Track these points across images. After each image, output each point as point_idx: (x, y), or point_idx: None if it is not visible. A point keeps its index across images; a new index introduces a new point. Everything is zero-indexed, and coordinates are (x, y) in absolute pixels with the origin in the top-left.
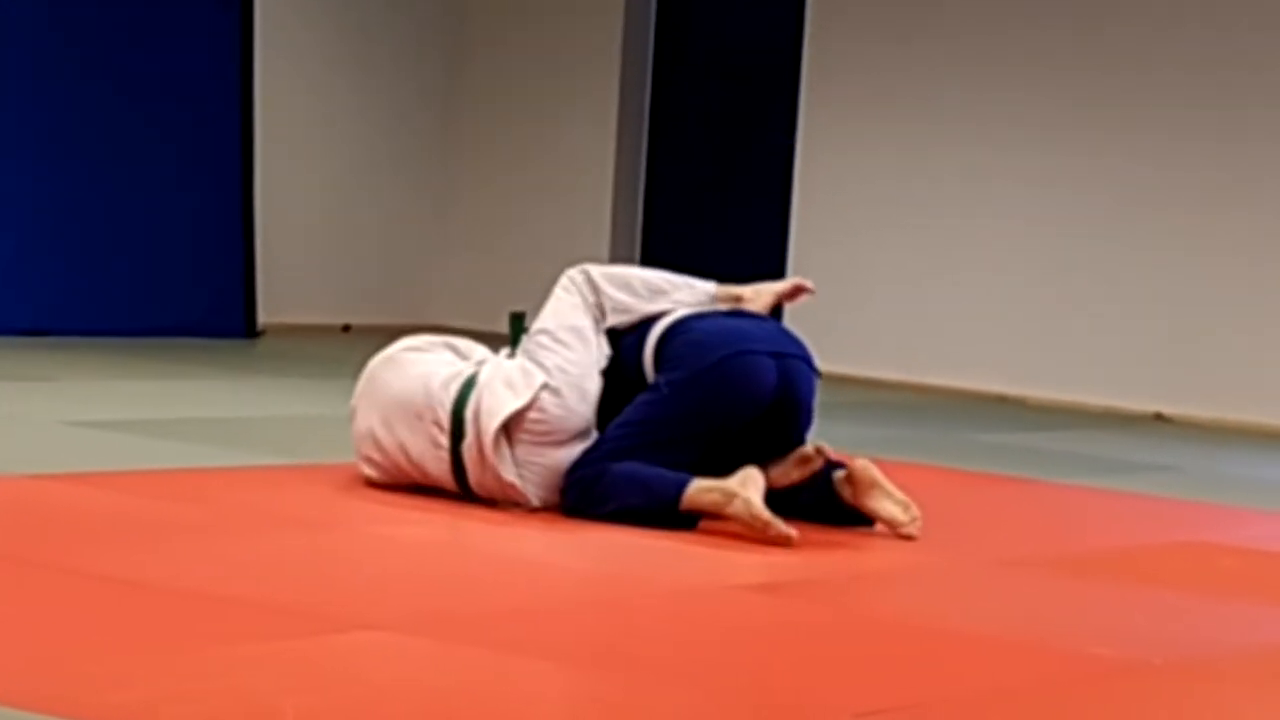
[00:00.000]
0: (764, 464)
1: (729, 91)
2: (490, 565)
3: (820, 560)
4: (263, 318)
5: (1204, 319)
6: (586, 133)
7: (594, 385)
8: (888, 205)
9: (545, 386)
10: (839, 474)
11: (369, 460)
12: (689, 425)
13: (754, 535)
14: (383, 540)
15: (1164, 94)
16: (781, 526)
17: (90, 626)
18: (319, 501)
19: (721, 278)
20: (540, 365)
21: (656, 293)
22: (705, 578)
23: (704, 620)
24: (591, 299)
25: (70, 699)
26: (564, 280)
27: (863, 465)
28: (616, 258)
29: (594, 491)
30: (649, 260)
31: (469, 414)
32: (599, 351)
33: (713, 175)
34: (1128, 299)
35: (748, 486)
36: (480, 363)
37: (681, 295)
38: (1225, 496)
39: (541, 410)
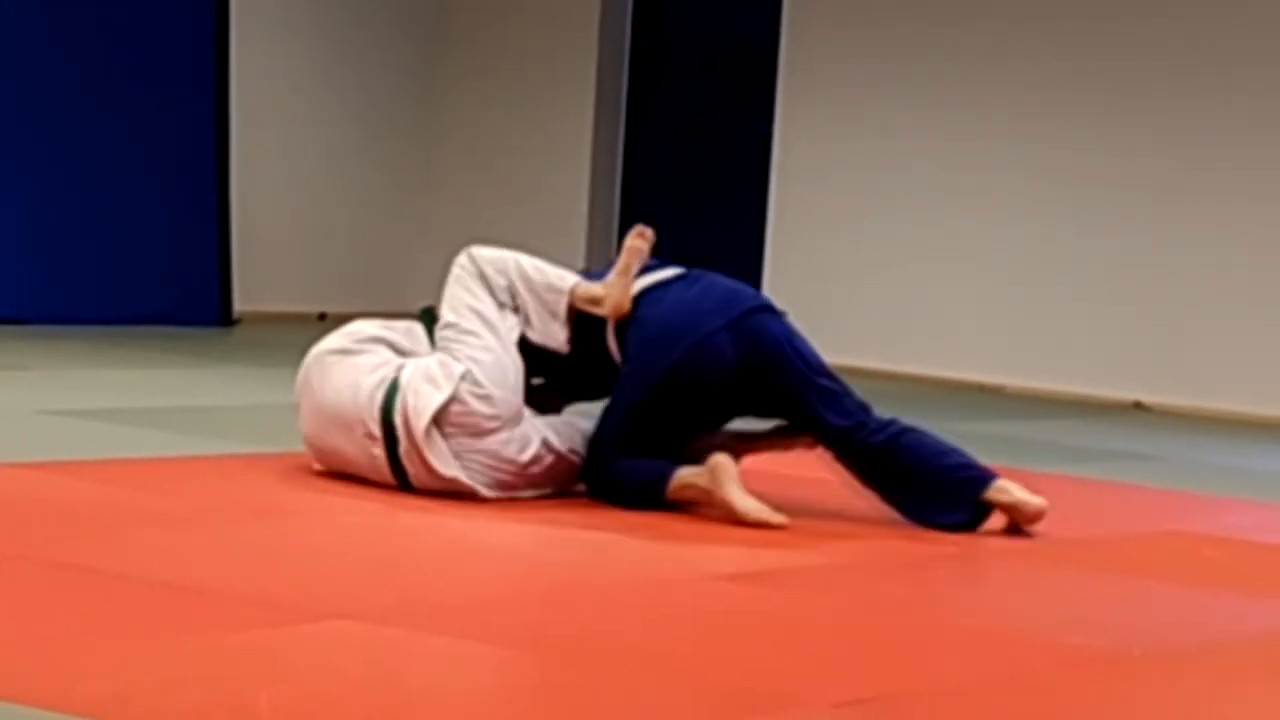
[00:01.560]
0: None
1: (707, 81)
2: (463, 555)
3: (797, 550)
4: (239, 306)
5: (1183, 308)
6: (564, 121)
7: (514, 369)
8: (866, 195)
9: (464, 378)
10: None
11: (315, 459)
12: (670, 419)
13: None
14: (356, 530)
15: (1142, 84)
16: (766, 514)
17: (62, 617)
18: (293, 491)
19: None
20: (455, 358)
21: (529, 285)
22: (682, 568)
23: (680, 609)
24: (485, 284)
25: (42, 690)
26: (455, 270)
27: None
28: (593, 246)
29: (601, 483)
30: None
31: (398, 419)
32: (510, 332)
33: (690, 165)
34: (1106, 288)
35: (720, 481)
36: (401, 366)
37: (538, 300)
38: (1205, 485)
39: (463, 403)
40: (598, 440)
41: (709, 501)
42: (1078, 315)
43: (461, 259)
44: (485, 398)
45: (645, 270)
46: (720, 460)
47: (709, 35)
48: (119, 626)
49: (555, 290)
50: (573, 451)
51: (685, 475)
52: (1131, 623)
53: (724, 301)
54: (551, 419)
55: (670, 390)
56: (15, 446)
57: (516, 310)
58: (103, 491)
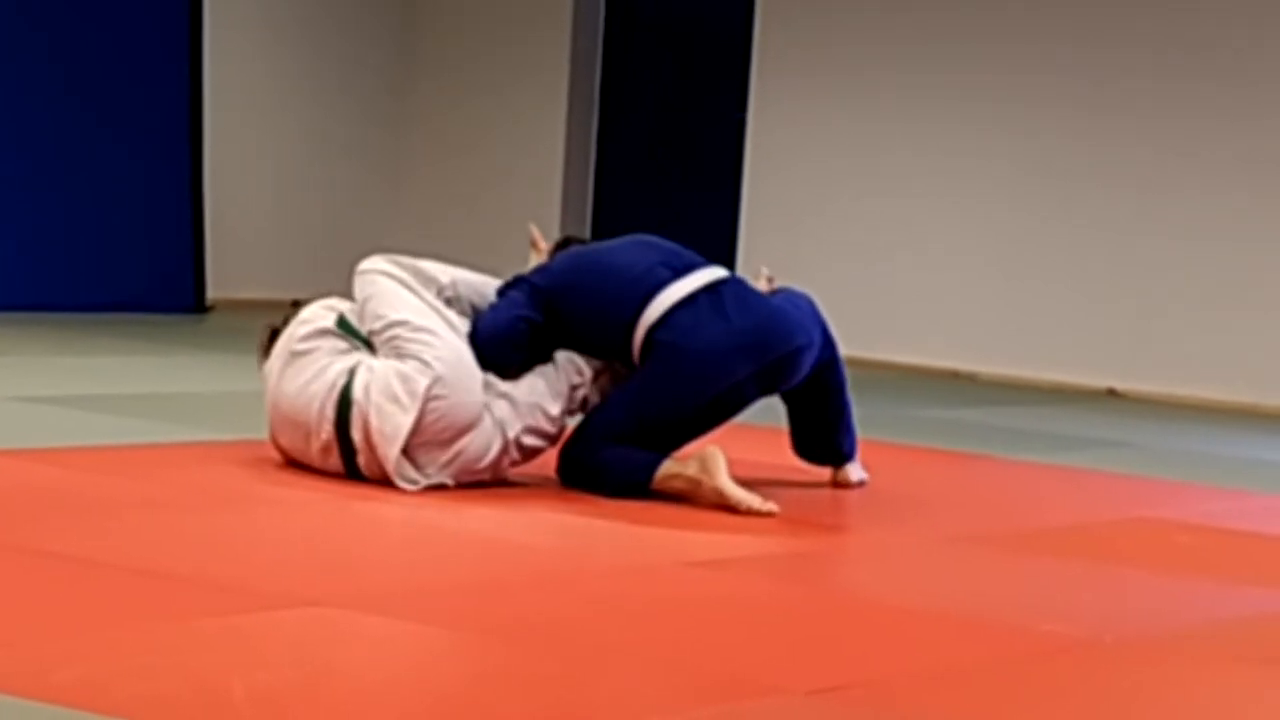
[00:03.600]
0: None
1: (680, 68)
2: (440, 541)
3: (772, 538)
4: (212, 293)
5: (1157, 295)
6: (537, 109)
7: (473, 363)
8: (839, 181)
9: (428, 393)
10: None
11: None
12: (676, 436)
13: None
14: (330, 517)
15: (1118, 72)
16: (758, 503)
17: (35, 603)
18: (267, 478)
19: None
20: (420, 360)
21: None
22: (657, 555)
23: (655, 596)
24: (422, 282)
25: (15, 677)
26: (370, 275)
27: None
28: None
29: (580, 472)
30: (599, 237)
31: (356, 434)
32: (461, 327)
33: (664, 151)
34: (1080, 275)
35: (710, 471)
36: (351, 370)
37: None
38: (1178, 472)
39: (436, 412)
40: (585, 434)
41: (697, 492)
42: (1052, 302)
43: (377, 264)
44: (455, 401)
45: (675, 267)
46: (710, 450)
47: (683, 21)
48: (92, 613)
49: (489, 287)
50: (529, 430)
51: (672, 466)
52: (1103, 610)
53: (758, 342)
54: (506, 391)
55: (686, 420)
56: None
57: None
58: (76, 478)
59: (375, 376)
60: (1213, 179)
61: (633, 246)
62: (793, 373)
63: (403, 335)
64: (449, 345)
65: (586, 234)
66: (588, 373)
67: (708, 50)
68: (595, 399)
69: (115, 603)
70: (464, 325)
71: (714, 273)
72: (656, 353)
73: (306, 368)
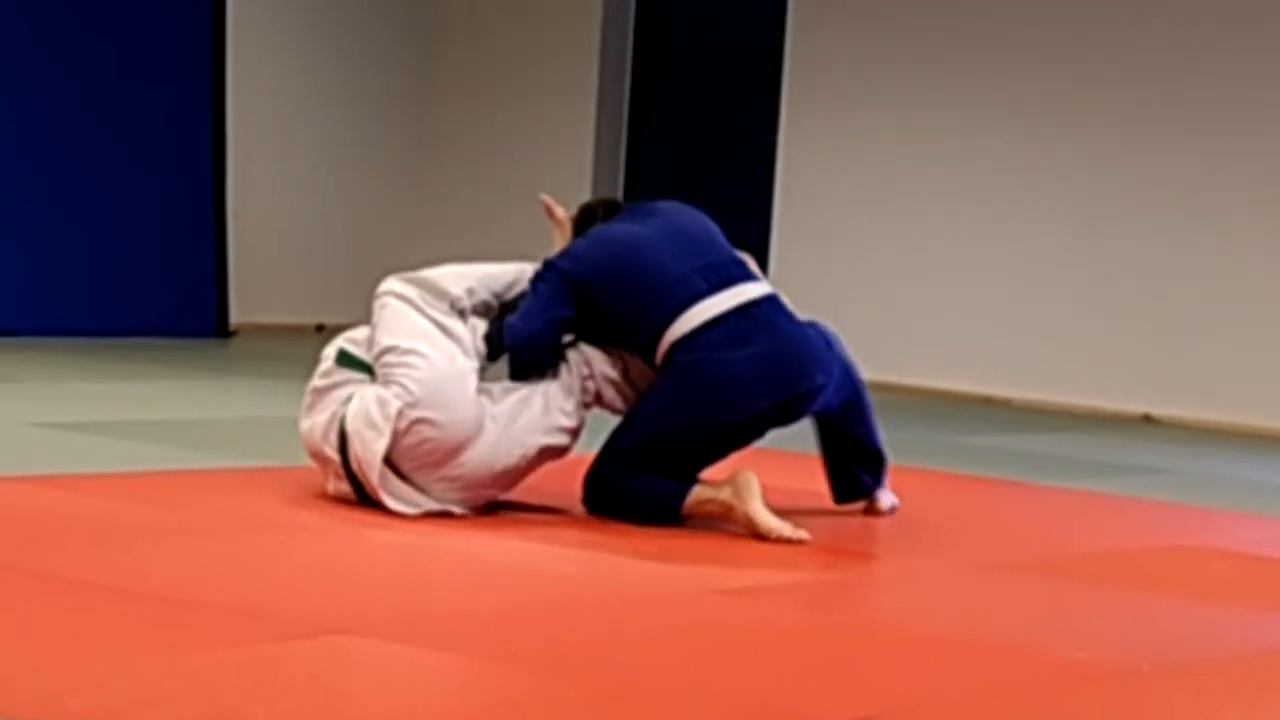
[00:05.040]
0: None
1: (710, 86)
2: (462, 569)
3: (802, 565)
4: (235, 317)
5: (1192, 319)
6: (564, 129)
7: (470, 382)
8: (870, 202)
9: (402, 415)
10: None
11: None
12: (697, 454)
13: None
14: (354, 544)
15: (1150, 91)
16: (788, 531)
17: (54, 630)
18: (289, 504)
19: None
20: (400, 384)
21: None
22: (686, 583)
23: (684, 625)
24: (418, 294)
25: (32, 704)
26: (383, 299)
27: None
28: None
29: (608, 499)
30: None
31: (354, 465)
32: (467, 339)
33: (693, 171)
34: (1115, 299)
35: (743, 496)
36: (348, 400)
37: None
38: (1214, 499)
39: (417, 435)
40: (607, 457)
41: (729, 517)
42: (1086, 327)
43: (390, 286)
44: (437, 422)
45: (711, 281)
46: (744, 475)
47: (712, 41)
48: (111, 640)
49: (509, 275)
50: (551, 429)
51: (704, 490)
52: (1139, 638)
53: (782, 375)
54: (525, 394)
55: (704, 443)
56: (8, 460)
57: (480, 310)
58: (97, 505)
59: (360, 404)
60: (1250, 200)
61: (670, 242)
62: (808, 409)
63: (389, 360)
64: (433, 366)
65: None
66: (595, 366)
67: (738, 71)
68: (608, 390)
69: (133, 630)
70: (480, 328)
71: (750, 290)
72: (676, 372)
73: (320, 399)
